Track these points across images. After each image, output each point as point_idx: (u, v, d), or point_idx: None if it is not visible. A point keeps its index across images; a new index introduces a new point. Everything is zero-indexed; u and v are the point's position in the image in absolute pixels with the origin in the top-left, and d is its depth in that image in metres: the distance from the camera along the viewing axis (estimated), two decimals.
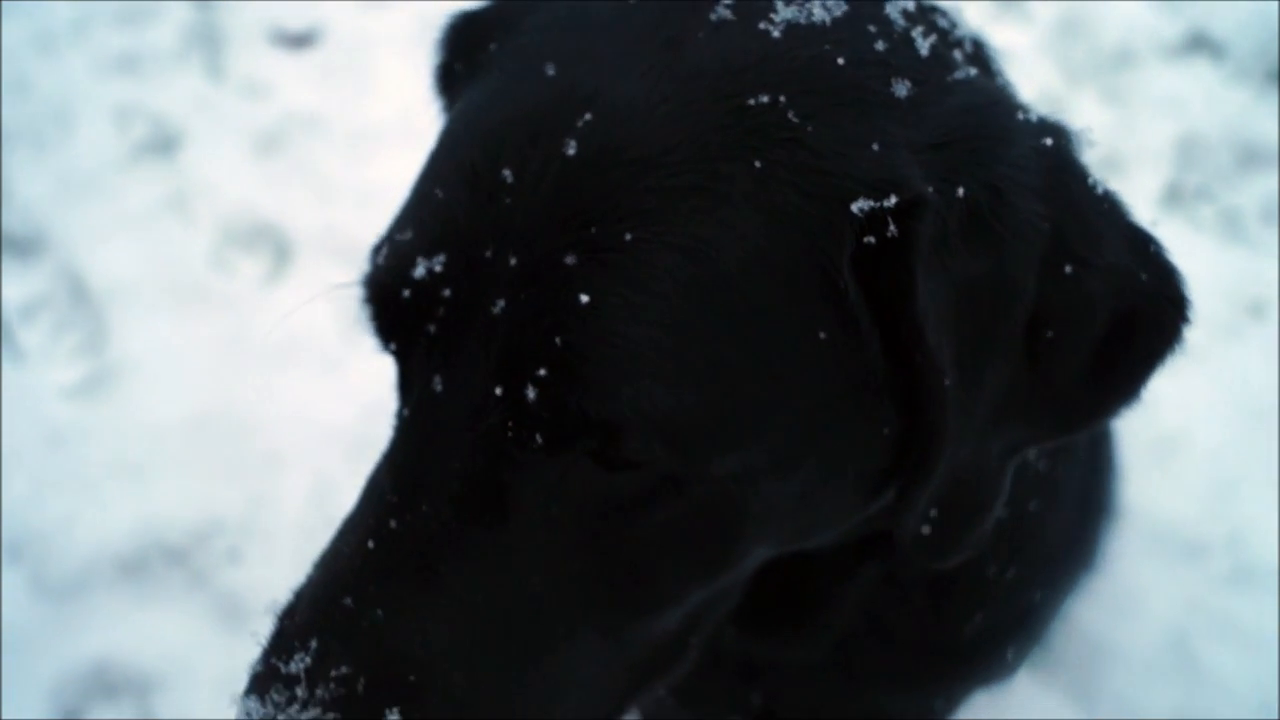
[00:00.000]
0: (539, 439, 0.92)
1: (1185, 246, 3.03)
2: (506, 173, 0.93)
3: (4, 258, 2.87)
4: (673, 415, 0.89)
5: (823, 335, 0.92)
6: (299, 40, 3.33)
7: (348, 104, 3.16)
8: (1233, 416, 2.69)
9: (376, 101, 3.17)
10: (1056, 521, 1.46)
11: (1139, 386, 1.10)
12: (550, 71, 0.97)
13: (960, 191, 0.92)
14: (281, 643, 0.99)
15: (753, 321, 0.90)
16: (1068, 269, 1.00)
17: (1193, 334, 3.02)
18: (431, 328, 0.95)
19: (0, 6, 3.35)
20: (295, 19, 3.37)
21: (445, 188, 0.98)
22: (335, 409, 2.57)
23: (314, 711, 0.94)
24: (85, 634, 2.29)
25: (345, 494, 2.48)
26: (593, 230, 0.88)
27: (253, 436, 2.53)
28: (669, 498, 0.95)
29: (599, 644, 1.02)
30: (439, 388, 0.95)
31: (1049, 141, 1.01)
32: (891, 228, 0.89)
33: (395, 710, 0.95)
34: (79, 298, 2.81)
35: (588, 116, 0.91)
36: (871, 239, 0.90)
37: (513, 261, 0.90)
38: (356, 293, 1.06)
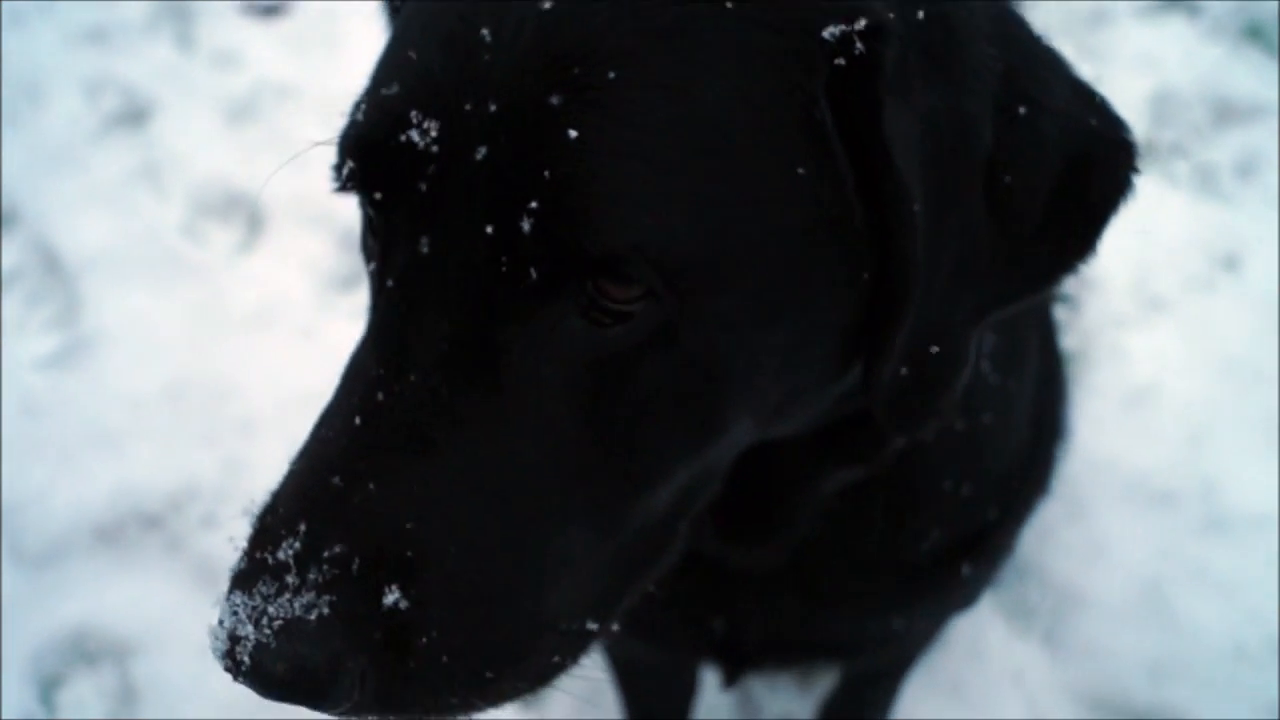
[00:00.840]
0: (533, 274, 0.89)
1: (1160, 202, 3.08)
2: (484, 31, 0.92)
3: None
4: (665, 246, 0.89)
5: (801, 170, 0.93)
6: (269, 9, 3.32)
7: (318, 72, 3.15)
8: (1205, 368, 2.71)
9: (347, 69, 3.11)
10: (1010, 437, 1.47)
11: (1096, 236, 1.09)
12: None
13: (919, 18, 0.95)
14: (265, 536, 0.92)
15: (735, 156, 0.91)
16: (1021, 110, 1.01)
17: (1166, 286, 3.02)
18: (420, 185, 0.92)
19: None
20: None
21: (420, 50, 0.96)
22: (310, 375, 2.54)
23: (308, 596, 0.89)
24: (63, 601, 2.30)
25: None
26: (575, 71, 0.88)
27: (228, 403, 2.54)
28: (660, 353, 0.93)
29: (591, 521, 0.98)
30: (425, 249, 0.92)
31: None
32: (859, 46, 0.92)
33: (394, 588, 0.90)
34: (52, 269, 2.81)
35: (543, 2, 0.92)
36: (842, 61, 0.92)
37: (492, 108, 0.89)
38: (336, 150, 1.01)
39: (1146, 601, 2.35)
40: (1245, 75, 3.34)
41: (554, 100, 0.88)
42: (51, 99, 3.13)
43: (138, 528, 2.38)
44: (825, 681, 2.19)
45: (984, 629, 2.29)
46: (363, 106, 0.99)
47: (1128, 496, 2.47)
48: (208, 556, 2.34)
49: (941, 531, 1.44)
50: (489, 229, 0.89)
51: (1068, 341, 2.75)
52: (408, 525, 0.91)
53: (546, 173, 0.87)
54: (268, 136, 3.03)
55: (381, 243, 0.98)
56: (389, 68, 1.01)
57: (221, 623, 0.91)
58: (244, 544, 0.95)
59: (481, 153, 0.89)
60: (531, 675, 1.00)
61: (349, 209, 3.06)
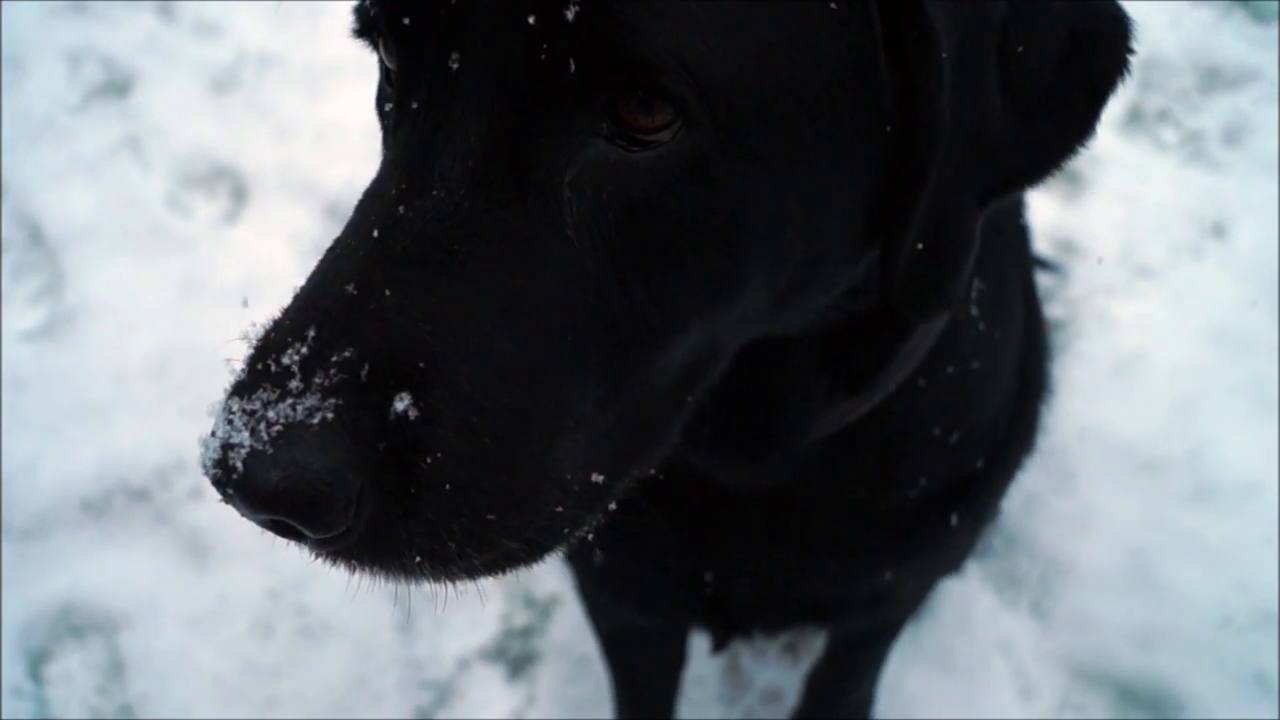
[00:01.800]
0: (572, 70, 0.87)
1: (1148, 169, 3.07)
2: None
3: None
4: (706, 63, 0.88)
5: (834, 5, 0.93)
6: None
7: (301, 41, 3.12)
8: (1193, 336, 2.70)
9: (330, 37, 3.12)
10: (997, 386, 1.49)
11: (1097, 112, 1.12)
12: None
13: None
14: (269, 346, 0.88)
15: None
16: None
17: (1154, 254, 3.01)
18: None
19: None
20: None
21: None
22: None
23: (311, 400, 0.84)
24: (51, 575, 2.30)
25: None
26: None
27: (214, 376, 2.48)
28: (689, 187, 0.92)
29: (605, 367, 0.95)
30: (455, 64, 0.90)
31: None
32: None
33: (404, 397, 0.86)
34: (36, 242, 2.79)
35: None
36: None
37: None
38: None
39: (1134, 571, 2.36)
40: (1233, 39, 3.32)
41: None
42: (34, 70, 3.09)
43: (125, 501, 2.38)
44: (812, 653, 2.20)
45: (972, 599, 2.30)
46: None
47: (1116, 465, 2.48)
48: (194, 529, 2.34)
49: (929, 479, 1.44)
50: (531, 19, 0.86)
51: (1056, 310, 2.76)
52: (424, 335, 0.88)
53: None
54: (250, 106, 3.01)
55: (402, 78, 0.95)
56: None
57: (214, 432, 0.88)
58: (244, 358, 0.90)
59: None
60: (531, 531, 0.94)
61: (335, 176, 3.03)
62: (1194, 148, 3.09)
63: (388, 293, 0.87)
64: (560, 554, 1.01)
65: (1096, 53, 1.10)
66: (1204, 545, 2.40)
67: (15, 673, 2.21)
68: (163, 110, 3.00)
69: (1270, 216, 2.91)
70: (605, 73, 0.87)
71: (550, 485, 0.93)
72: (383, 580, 0.93)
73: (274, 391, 0.85)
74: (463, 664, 2.25)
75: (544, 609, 2.30)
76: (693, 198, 0.92)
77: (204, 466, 0.88)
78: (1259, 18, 3.39)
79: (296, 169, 2.86)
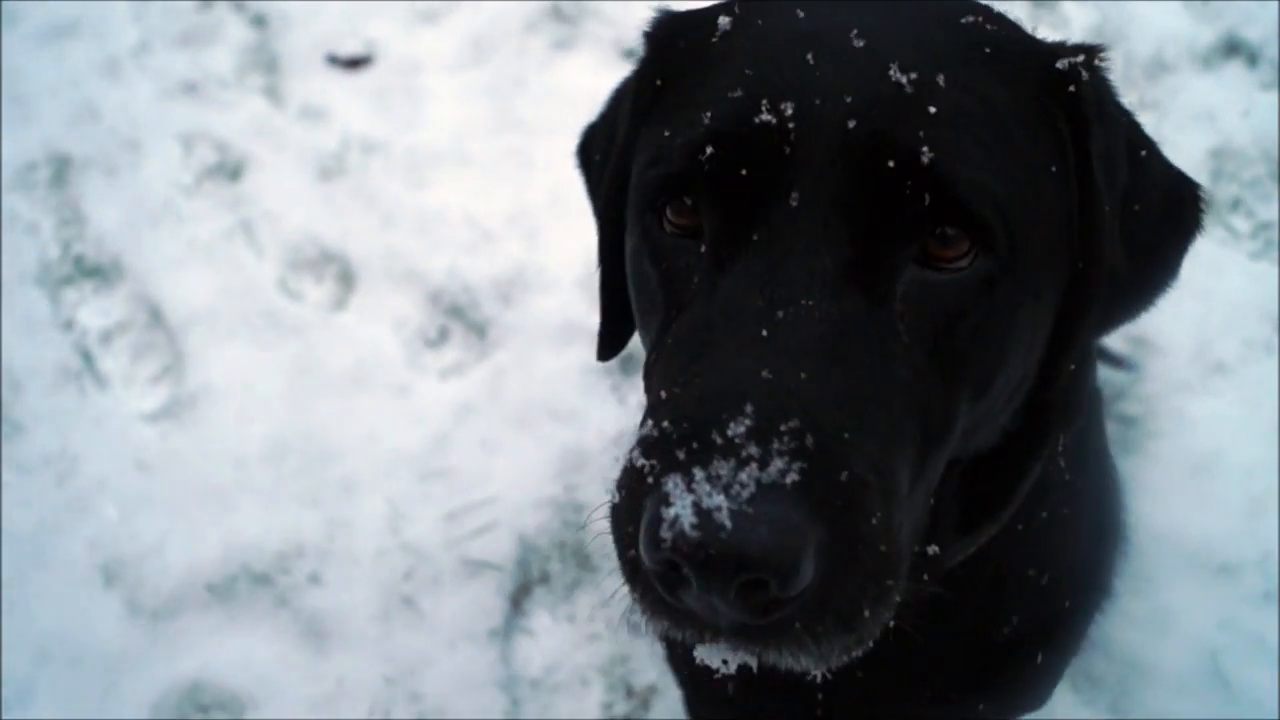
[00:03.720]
0: (920, 200, 1.09)
1: (1220, 262, 3.12)
2: (809, 56, 1.15)
3: (83, 286, 3.00)
4: (1005, 203, 1.12)
5: (1054, 169, 1.20)
6: (353, 62, 3.42)
7: (403, 126, 3.26)
8: (1266, 434, 2.75)
9: (429, 124, 3.26)
10: (1081, 532, 1.65)
11: (1183, 258, 1.41)
12: (801, 14, 1.23)
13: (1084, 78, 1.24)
14: (695, 428, 0.98)
15: (1021, 146, 1.17)
16: (1142, 152, 1.34)
17: (1226, 350, 3.05)
18: (785, 149, 1.12)
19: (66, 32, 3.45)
20: (349, 40, 3.47)
21: (755, 68, 1.17)
22: (404, 435, 2.70)
23: (778, 464, 0.95)
24: (179, 655, 2.45)
25: (418, 521, 2.63)
26: (912, 75, 1.13)
27: (328, 463, 2.66)
28: (978, 296, 1.13)
29: (916, 450, 1.11)
30: (795, 202, 1.10)
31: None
32: (1084, 74, 1.21)
33: (848, 463, 0.99)
34: (156, 323, 2.94)
35: (855, 30, 1.18)
36: (1073, 88, 1.20)
37: (848, 99, 1.12)
38: (688, 148, 1.17)
39: (1206, 671, 2.44)
40: None
41: (907, 86, 1.12)
42: (150, 153, 3.24)
43: (248, 584, 2.52)
44: None
45: (1053, 699, 2.39)
46: (704, 115, 1.17)
47: (1191, 567, 2.56)
48: (314, 614, 2.48)
49: (1020, 618, 1.56)
50: (872, 176, 1.09)
51: (1131, 408, 2.84)
52: (841, 413, 1.03)
53: (922, 132, 1.10)
54: (355, 192, 3.14)
55: (726, 222, 1.15)
56: (719, 86, 1.19)
57: (669, 502, 0.94)
58: (640, 462, 1.01)
59: (852, 124, 1.10)
60: (890, 604, 1.07)
61: (438, 266, 3.16)
62: (1266, 237, 3.15)
63: (803, 376, 1.03)
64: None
65: (1183, 211, 1.40)
66: (1273, 647, 2.47)
67: None
68: (272, 194, 3.14)
69: None
70: (938, 206, 1.10)
71: (898, 567, 1.07)
72: (759, 660, 1.05)
73: (732, 460, 0.95)
74: None
75: (643, 699, 2.43)
76: (981, 308, 1.14)
77: (669, 536, 0.94)
78: None
79: (400, 257, 2.99)
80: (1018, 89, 1.19)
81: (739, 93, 1.16)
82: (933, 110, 1.12)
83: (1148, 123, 1.41)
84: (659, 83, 1.32)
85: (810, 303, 1.07)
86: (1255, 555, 2.58)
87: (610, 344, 1.54)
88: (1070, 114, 1.22)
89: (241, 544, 2.56)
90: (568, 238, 2.98)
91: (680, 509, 0.94)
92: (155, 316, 2.95)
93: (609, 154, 1.45)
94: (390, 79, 3.37)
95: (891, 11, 1.24)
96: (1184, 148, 3.30)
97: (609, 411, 2.72)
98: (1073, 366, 1.30)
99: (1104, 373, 2.84)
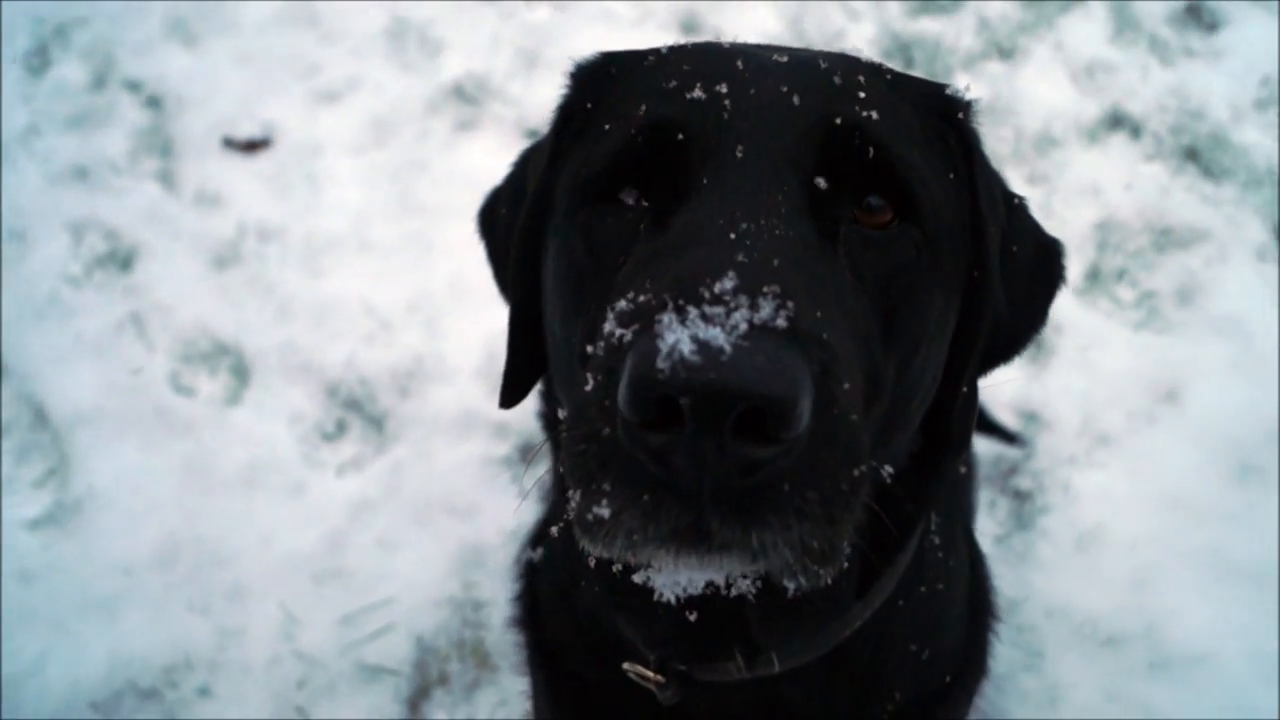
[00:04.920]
0: (856, 160, 1.20)
1: (1106, 334, 3.18)
2: (739, 63, 1.27)
3: None
4: (920, 169, 1.25)
5: (952, 176, 1.33)
6: (251, 145, 3.39)
7: (301, 211, 3.23)
8: (1150, 505, 2.84)
9: (329, 208, 3.24)
10: (956, 608, 1.71)
11: (1048, 309, 1.57)
12: (727, 45, 1.37)
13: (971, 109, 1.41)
14: (686, 288, 0.99)
15: (925, 149, 1.30)
16: (1015, 202, 1.50)
17: (1111, 422, 3.09)
18: (724, 114, 1.21)
19: None
20: (246, 122, 3.44)
21: (692, 66, 1.29)
22: (299, 535, 2.66)
23: (768, 307, 0.97)
24: None
25: (312, 626, 2.58)
26: (836, 77, 1.27)
27: (219, 568, 2.61)
28: (906, 250, 1.23)
29: (869, 376, 1.17)
30: (740, 154, 1.18)
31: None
32: (970, 106, 1.37)
33: (824, 329, 1.03)
34: (40, 424, 2.87)
35: (776, 54, 1.32)
36: (961, 115, 1.35)
37: (784, 87, 1.24)
38: (625, 133, 1.24)
39: None
40: (1185, 195, 3.49)
41: (838, 81, 1.26)
42: (37, 243, 3.18)
43: (134, 700, 2.45)
44: None
45: None
46: (639, 107, 1.26)
47: (1078, 640, 2.61)
48: None
49: (903, 693, 1.60)
50: (820, 132, 1.21)
51: (1023, 483, 2.90)
52: (811, 294, 1.06)
53: (858, 107, 1.22)
54: (252, 282, 3.11)
55: (662, 186, 1.21)
56: (653, 85, 1.29)
57: (663, 336, 0.93)
58: (618, 332, 1.01)
59: (797, 100, 1.22)
60: (858, 503, 1.06)
61: (335, 358, 3.12)
62: (1149, 306, 3.23)
63: (775, 263, 1.06)
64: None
65: (1051, 262, 1.56)
66: (1161, 717, 2.52)
67: None
68: (165, 285, 3.09)
69: (1220, 379, 3.05)
70: (877, 164, 1.21)
71: (865, 453, 1.07)
72: (727, 563, 1.02)
73: (722, 307, 0.96)
74: None
75: None
76: (908, 274, 1.24)
77: (669, 364, 0.92)
78: (1209, 173, 3.55)
79: (297, 348, 2.96)
80: (916, 107, 1.33)
81: (673, 84, 1.25)
82: (862, 96, 1.24)
83: (1036, 197, 1.57)
84: (589, 105, 1.37)
85: (769, 223, 1.11)
86: (1140, 627, 2.64)
87: (516, 387, 1.53)
88: (959, 134, 1.35)
89: (127, 657, 2.50)
90: (468, 324, 2.97)
91: (678, 336, 0.93)
92: (39, 416, 2.88)
93: (519, 205, 1.48)
94: (289, 162, 3.35)
95: (803, 50, 1.39)
96: (1071, 221, 3.39)
97: (508, 504, 2.71)
98: (965, 389, 1.38)
99: (996, 449, 2.91)
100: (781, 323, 0.97)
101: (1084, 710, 2.55)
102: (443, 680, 2.51)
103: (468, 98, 3.51)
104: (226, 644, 2.51)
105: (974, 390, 1.44)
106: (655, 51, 1.38)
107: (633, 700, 1.52)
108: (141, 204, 3.26)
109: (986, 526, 2.78)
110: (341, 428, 2.85)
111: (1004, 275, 1.40)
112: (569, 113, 1.41)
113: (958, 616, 1.73)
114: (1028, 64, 3.79)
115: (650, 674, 1.48)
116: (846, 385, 1.02)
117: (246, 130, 3.41)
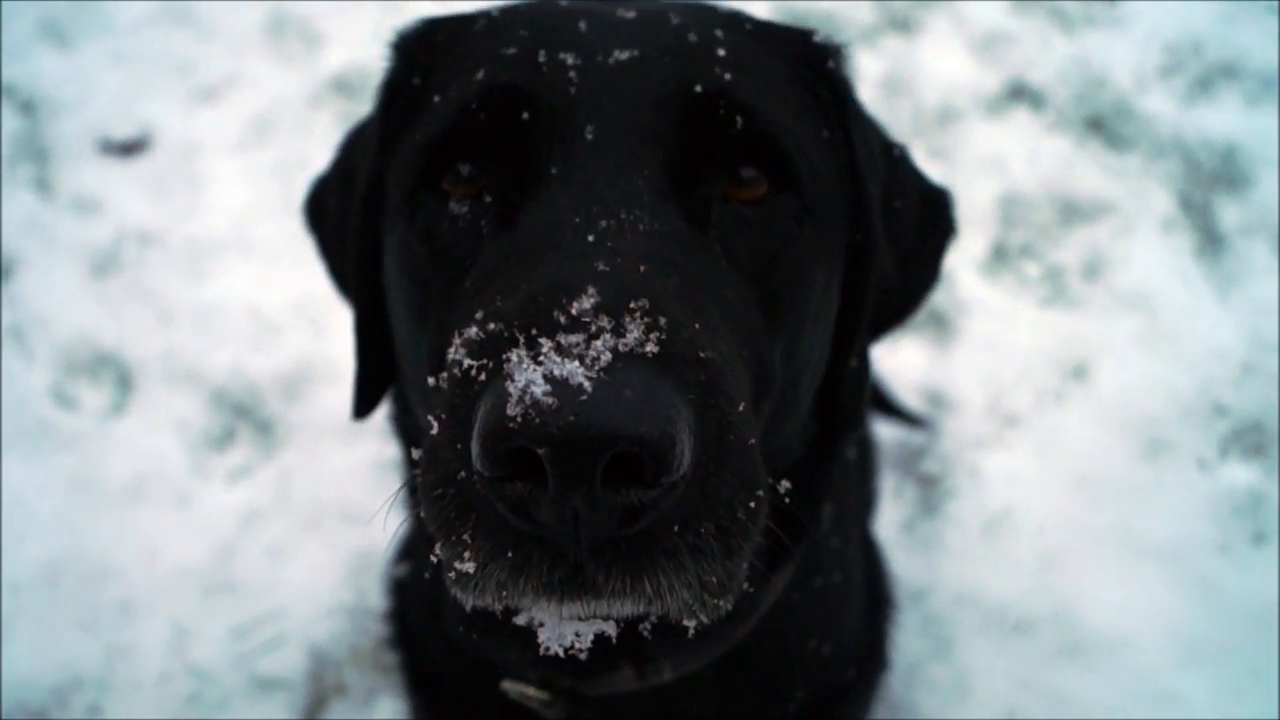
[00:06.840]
0: (723, 131, 1.11)
1: (1011, 312, 3.15)
2: (581, 24, 1.17)
3: None
4: (793, 132, 1.17)
5: (826, 134, 1.26)
6: (128, 147, 3.27)
7: (181, 215, 3.13)
8: (1059, 486, 2.80)
9: (210, 210, 3.14)
10: (855, 599, 1.67)
11: (940, 263, 1.50)
12: (564, 2, 1.24)
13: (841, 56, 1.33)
14: (535, 310, 0.88)
15: (800, 107, 1.23)
16: (894, 151, 1.43)
17: (1019, 402, 3.04)
18: (570, 89, 1.10)
19: None
20: (123, 124, 3.32)
21: (530, 30, 1.18)
22: (188, 548, 2.57)
23: (635, 332, 0.86)
24: None
25: (204, 639, 2.49)
26: (691, 35, 1.17)
27: (106, 583, 2.52)
28: (789, 237, 1.16)
29: (754, 374, 1.08)
30: (591, 135, 1.08)
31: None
32: (840, 54, 1.31)
33: (704, 347, 0.91)
34: None
35: (621, 9, 1.21)
36: (832, 64, 1.28)
37: (635, 51, 1.14)
38: (461, 103, 1.14)
39: None
40: (1089, 168, 3.47)
41: (693, 39, 1.16)
42: None
43: None
44: None
45: None
46: (475, 75, 1.15)
47: (987, 627, 2.58)
48: None
49: (807, 691, 1.55)
50: (679, 104, 1.11)
51: (930, 466, 2.86)
52: (684, 304, 0.96)
53: (718, 69, 1.13)
54: (132, 288, 3.00)
55: (505, 171, 1.11)
56: (490, 50, 1.19)
57: (512, 378, 0.82)
58: (467, 363, 0.88)
59: (646, 67, 1.12)
60: (751, 534, 0.94)
61: (220, 363, 3.02)
62: (1055, 284, 3.20)
63: (642, 269, 0.96)
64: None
65: (939, 213, 1.48)
66: (1071, 703, 2.49)
67: None
68: (43, 295, 2.98)
69: (1128, 355, 3.03)
70: (746, 134, 1.12)
71: (762, 477, 0.96)
72: (616, 607, 0.91)
73: (582, 333, 0.85)
74: None
75: None
76: (789, 251, 1.16)
77: (521, 410, 0.80)
78: (1113, 144, 3.53)
79: (181, 355, 2.86)
80: (782, 59, 1.25)
81: (513, 50, 1.15)
82: (722, 54, 1.15)
83: (937, 171, 1.48)
84: (417, 81, 1.27)
85: (631, 216, 1.03)
86: (1051, 611, 2.60)
87: (368, 396, 1.45)
88: (831, 84, 1.27)
89: (15, 680, 2.40)
90: None
91: (529, 378, 0.82)
92: None
93: (350, 195, 1.38)
94: (168, 164, 3.24)
95: (650, 2, 1.27)
96: (974, 196, 3.35)
97: (400, 509, 2.64)
98: (854, 362, 1.33)
99: (902, 433, 2.87)
100: (652, 347, 0.86)
101: (995, 699, 2.51)
102: (339, 690, 2.44)
103: (351, 90, 3.42)
104: (116, 661, 2.42)
105: (865, 362, 1.36)
106: (485, 14, 1.27)
107: None
108: (17, 213, 3.13)
109: (892, 514, 2.74)
110: (229, 435, 2.76)
111: (889, 234, 1.32)
112: (395, 89, 1.30)
113: (857, 608, 1.70)
114: (926, 37, 3.75)
115: (533, 692, 1.41)
116: (740, 405, 0.92)
117: (124, 132, 3.29)
